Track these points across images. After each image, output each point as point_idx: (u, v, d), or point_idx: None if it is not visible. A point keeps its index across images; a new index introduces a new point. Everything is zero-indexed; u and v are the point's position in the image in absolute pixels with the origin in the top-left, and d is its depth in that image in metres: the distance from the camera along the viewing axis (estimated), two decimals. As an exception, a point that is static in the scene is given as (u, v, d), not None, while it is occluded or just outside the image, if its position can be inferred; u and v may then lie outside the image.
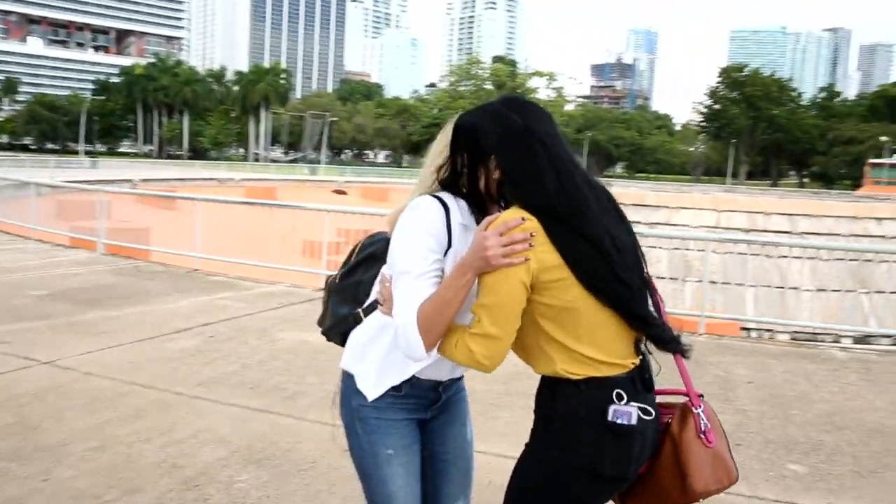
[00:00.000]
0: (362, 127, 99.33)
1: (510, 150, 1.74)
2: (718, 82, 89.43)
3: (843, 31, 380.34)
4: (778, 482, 3.78)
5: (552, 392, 1.74)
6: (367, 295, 2.02)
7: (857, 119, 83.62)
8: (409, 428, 1.99)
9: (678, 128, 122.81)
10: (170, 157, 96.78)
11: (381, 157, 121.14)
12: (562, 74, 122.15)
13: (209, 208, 10.27)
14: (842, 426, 4.62)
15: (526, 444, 1.82)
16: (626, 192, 17.89)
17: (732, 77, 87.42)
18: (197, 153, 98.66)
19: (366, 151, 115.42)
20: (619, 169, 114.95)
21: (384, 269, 1.93)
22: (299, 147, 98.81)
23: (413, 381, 1.93)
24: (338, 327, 2.07)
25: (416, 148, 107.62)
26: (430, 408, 2.02)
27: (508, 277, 1.65)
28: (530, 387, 1.84)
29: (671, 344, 1.78)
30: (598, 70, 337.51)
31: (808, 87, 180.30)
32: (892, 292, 9.74)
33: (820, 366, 6.21)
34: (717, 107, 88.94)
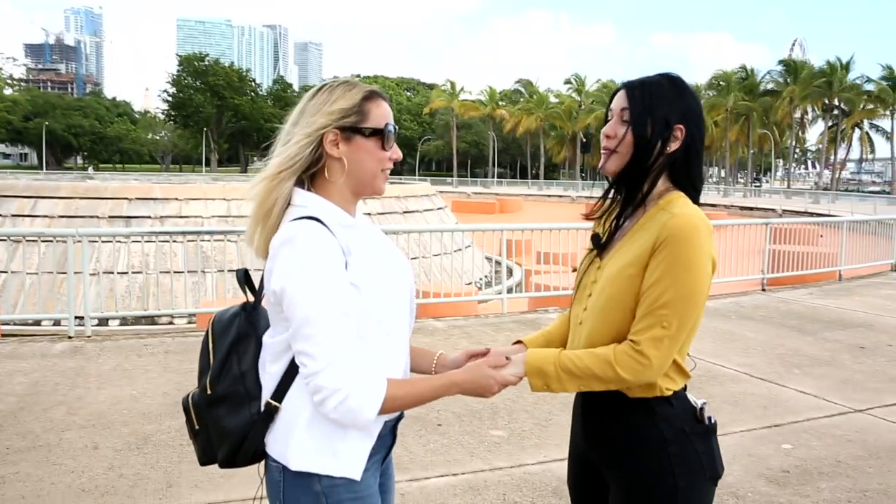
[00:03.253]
0: None
1: (700, 125, 1.64)
2: (179, 71, 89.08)
3: (282, 28, 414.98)
4: (489, 448, 4.37)
5: (649, 414, 1.60)
6: (259, 382, 1.59)
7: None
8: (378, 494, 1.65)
9: (138, 115, 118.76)
10: None
11: None
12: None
13: None
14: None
15: (620, 482, 1.65)
16: (127, 185, 16.92)
17: (194, 66, 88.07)
18: None
19: None
20: (80, 160, 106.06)
21: (272, 337, 1.57)
22: None
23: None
24: (249, 443, 1.57)
25: None
26: (383, 461, 1.68)
27: (705, 276, 1.53)
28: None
29: None
30: (36, 51, 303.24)
31: (258, 77, 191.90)
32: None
33: (429, 337, 7.18)
34: (181, 95, 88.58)
